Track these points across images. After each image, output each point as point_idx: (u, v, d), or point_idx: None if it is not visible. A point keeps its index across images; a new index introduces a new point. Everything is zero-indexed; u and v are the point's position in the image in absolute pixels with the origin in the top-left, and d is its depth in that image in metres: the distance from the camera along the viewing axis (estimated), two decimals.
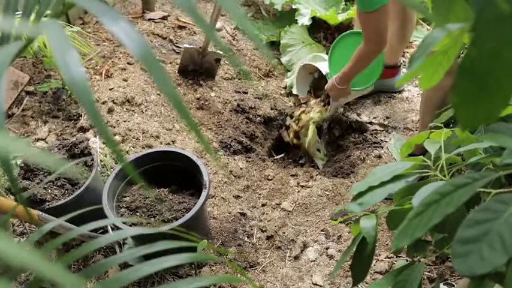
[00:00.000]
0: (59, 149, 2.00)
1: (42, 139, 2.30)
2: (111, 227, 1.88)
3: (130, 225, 1.75)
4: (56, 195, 1.87)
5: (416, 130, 2.61)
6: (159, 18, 3.15)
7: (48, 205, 1.80)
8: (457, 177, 0.70)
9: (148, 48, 0.53)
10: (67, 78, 0.51)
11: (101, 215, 1.69)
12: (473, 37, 0.44)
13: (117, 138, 2.30)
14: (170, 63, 2.88)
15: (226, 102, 2.84)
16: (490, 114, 0.49)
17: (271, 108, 2.95)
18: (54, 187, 1.90)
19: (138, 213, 1.86)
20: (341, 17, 2.99)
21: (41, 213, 1.52)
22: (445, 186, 0.68)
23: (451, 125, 1.69)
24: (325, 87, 2.48)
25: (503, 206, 0.61)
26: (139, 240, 1.79)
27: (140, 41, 0.54)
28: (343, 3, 3.11)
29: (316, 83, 2.97)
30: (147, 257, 0.77)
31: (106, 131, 0.51)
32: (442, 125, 1.00)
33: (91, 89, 2.47)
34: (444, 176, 0.85)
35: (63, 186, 1.91)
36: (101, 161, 2.20)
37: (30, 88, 2.53)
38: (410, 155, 1.53)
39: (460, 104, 0.49)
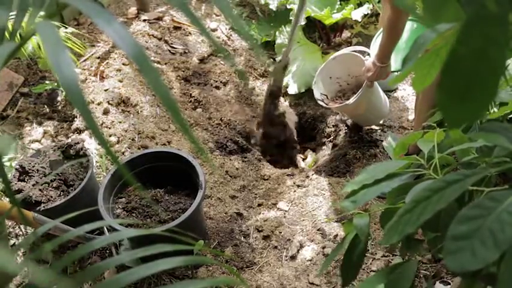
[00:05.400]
0: (54, 151, 2.00)
1: (37, 140, 2.29)
2: (107, 228, 1.88)
3: (126, 226, 1.75)
4: (51, 196, 1.86)
5: (412, 129, 2.61)
6: (154, 19, 3.14)
7: (43, 207, 1.80)
8: (448, 174, 0.70)
9: (142, 49, 0.53)
10: (60, 79, 0.51)
11: (97, 215, 1.69)
12: (460, 36, 0.45)
13: (113, 139, 2.30)
14: (165, 63, 2.88)
15: (222, 102, 2.84)
16: (476, 113, 0.50)
17: None
18: (50, 188, 1.89)
19: (134, 214, 1.86)
20: (336, 17, 2.99)
21: (36, 214, 1.52)
22: (436, 183, 0.69)
23: (446, 124, 1.69)
24: (363, 69, 2.31)
25: (495, 203, 0.62)
26: (136, 241, 1.79)
27: (133, 43, 0.54)
28: (338, 3, 3.11)
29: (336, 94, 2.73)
30: (144, 258, 0.77)
31: (98, 132, 0.51)
32: (435, 125, 1.01)
33: (85, 90, 2.46)
34: (438, 175, 0.86)
35: (58, 188, 1.90)
36: (96, 162, 2.20)
37: (25, 89, 2.53)
38: (405, 154, 1.53)
39: (446, 103, 0.49)
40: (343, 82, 2.67)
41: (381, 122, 2.74)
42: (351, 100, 2.36)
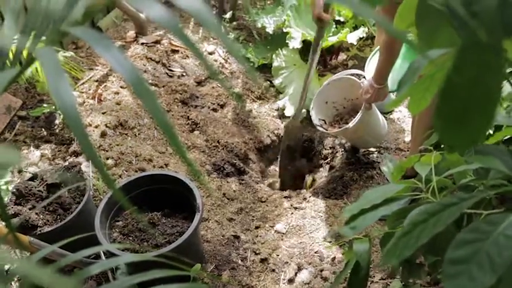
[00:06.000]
0: (51, 174, 1.99)
1: (34, 164, 2.29)
2: (103, 252, 1.86)
3: (123, 250, 1.73)
4: (48, 220, 1.85)
5: (408, 151, 2.62)
6: (152, 42, 3.18)
7: (40, 231, 1.78)
8: (445, 197, 0.71)
9: (139, 74, 0.54)
10: (59, 105, 0.52)
11: (93, 238, 1.68)
12: (455, 64, 0.45)
13: (110, 162, 2.30)
14: (163, 86, 2.90)
15: (220, 125, 2.85)
16: (473, 138, 0.51)
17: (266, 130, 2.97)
18: (46, 212, 1.88)
19: (131, 238, 1.84)
20: (331, 40, 3.03)
21: (32, 239, 1.51)
22: (433, 206, 0.69)
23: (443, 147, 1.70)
24: (360, 92, 2.34)
25: (492, 226, 0.62)
26: (133, 265, 1.78)
27: (131, 68, 0.55)
28: (334, 26, 3.16)
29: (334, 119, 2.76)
30: (141, 283, 0.77)
31: (96, 158, 0.52)
32: (432, 148, 1.01)
33: (82, 113, 2.47)
34: (436, 198, 0.86)
35: (55, 211, 1.89)
36: (93, 185, 2.19)
37: (23, 113, 2.53)
38: (404, 176, 1.55)
39: (443, 128, 0.50)
40: (340, 106, 2.69)
41: (378, 144, 2.75)
42: (351, 124, 2.36)
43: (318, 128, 2.59)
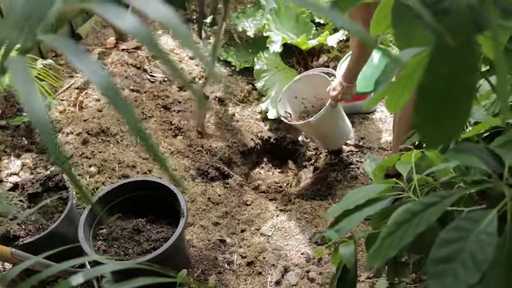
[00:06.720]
0: (33, 183, 1.96)
1: (15, 174, 2.25)
2: (88, 261, 1.84)
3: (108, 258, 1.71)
4: (30, 230, 1.82)
5: (391, 150, 2.64)
6: (133, 48, 3.16)
7: (22, 241, 1.76)
8: (427, 197, 0.71)
9: (113, 83, 0.53)
10: (29, 116, 0.51)
11: (77, 248, 1.66)
12: (430, 63, 0.46)
13: (93, 169, 2.27)
14: (145, 92, 2.88)
15: (203, 129, 2.84)
16: (452, 134, 0.51)
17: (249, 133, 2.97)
18: (28, 222, 1.85)
19: (115, 245, 1.82)
20: (312, 43, 3.04)
21: (14, 250, 1.48)
22: (416, 206, 0.70)
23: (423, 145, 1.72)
24: (327, 89, 2.34)
25: (473, 224, 0.62)
26: (118, 272, 1.76)
27: (105, 77, 0.54)
28: (314, 29, 3.17)
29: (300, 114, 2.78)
30: None
31: (71, 174, 0.51)
32: (411, 147, 1.02)
33: (63, 120, 2.44)
34: (417, 197, 0.87)
35: (37, 221, 1.87)
36: (76, 193, 2.16)
37: (3, 122, 2.49)
38: (386, 175, 1.56)
39: (422, 125, 0.50)
40: (308, 104, 2.72)
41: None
42: (314, 118, 2.38)
43: (282, 119, 2.62)
